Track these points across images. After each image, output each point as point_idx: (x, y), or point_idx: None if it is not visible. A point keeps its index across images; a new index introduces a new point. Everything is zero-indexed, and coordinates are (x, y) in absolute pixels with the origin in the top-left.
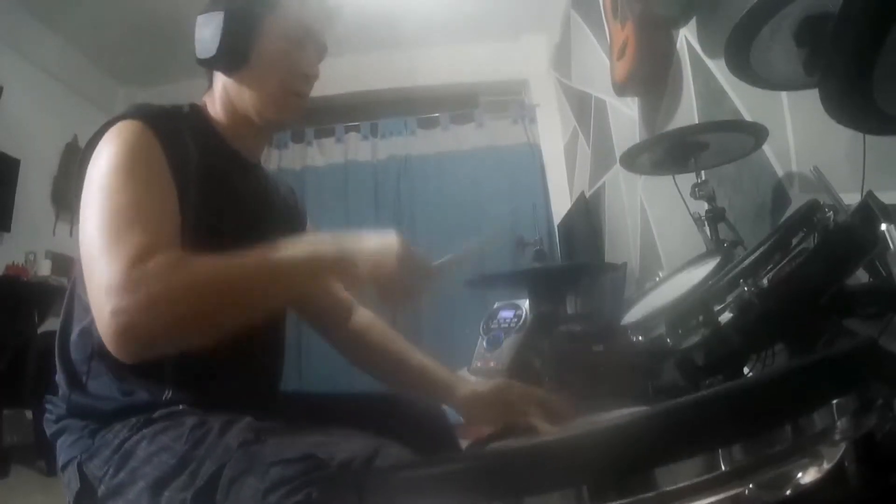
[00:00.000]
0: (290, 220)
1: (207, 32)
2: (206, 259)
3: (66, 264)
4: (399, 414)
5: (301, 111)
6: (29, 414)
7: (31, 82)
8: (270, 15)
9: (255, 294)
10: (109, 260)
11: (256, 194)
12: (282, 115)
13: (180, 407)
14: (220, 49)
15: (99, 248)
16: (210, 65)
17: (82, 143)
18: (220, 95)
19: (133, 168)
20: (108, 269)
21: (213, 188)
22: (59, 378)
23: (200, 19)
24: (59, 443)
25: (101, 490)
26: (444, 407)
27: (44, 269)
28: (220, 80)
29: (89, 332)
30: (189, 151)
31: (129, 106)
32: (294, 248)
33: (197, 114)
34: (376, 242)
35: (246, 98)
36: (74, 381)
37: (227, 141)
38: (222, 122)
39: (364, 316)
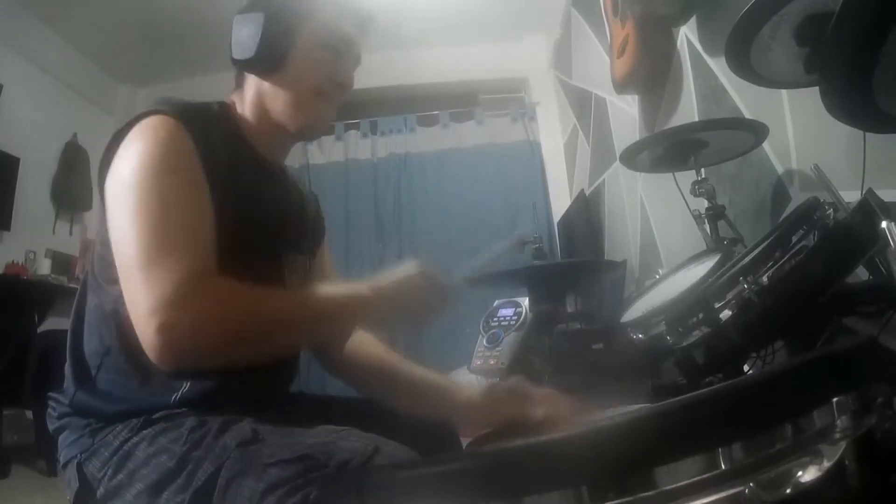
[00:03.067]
0: (310, 228)
1: (246, 33)
2: (254, 288)
3: (66, 263)
4: (397, 416)
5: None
6: (29, 414)
7: (30, 81)
8: (310, 20)
9: (294, 330)
10: (156, 274)
11: (280, 200)
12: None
13: (181, 409)
14: (259, 51)
15: (142, 260)
16: (247, 66)
17: (82, 141)
18: (251, 98)
19: (169, 168)
20: (156, 285)
21: (239, 192)
22: (67, 372)
23: (239, 19)
24: (61, 440)
25: (100, 491)
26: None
27: (43, 267)
28: (253, 81)
29: (105, 326)
30: (219, 152)
31: (159, 99)
32: (334, 292)
33: (225, 113)
34: (401, 281)
35: (279, 102)
36: (83, 376)
37: (253, 144)
38: (251, 124)
39: (360, 336)
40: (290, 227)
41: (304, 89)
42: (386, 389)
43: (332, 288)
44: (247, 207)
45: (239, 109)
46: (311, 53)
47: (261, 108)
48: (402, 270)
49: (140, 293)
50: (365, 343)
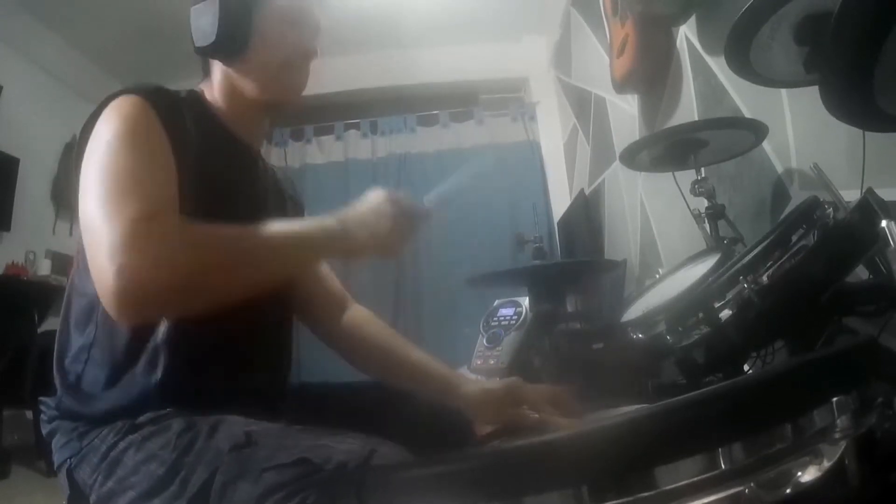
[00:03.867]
0: (288, 209)
1: (204, 21)
2: (212, 226)
3: (66, 263)
4: (412, 403)
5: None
6: (29, 414)
7: (30, 81)
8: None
9: (257, 262)
10: (111, 223)
11: (255, 180)
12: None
13: (167, 410)
14: (218, 37)
15: (100, 214)
16: (209, 53)
17: None
18: (219, 83)
19: (133, 138)
20: (110, 232)
21: (212, 170)
22: (55, 376)
23: (195, 9)
24: (53, 443)
25: (92, 498)
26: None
27: (43, 268)
28: (220, 67)
29: (89, 321)
30: (188, 130)
31: (129, 84)
32: (297, 225)
33: (195, 99)
34: (368, 210)
35: (249, 83)
36: (67, 379)
37: (227, 126)
38: (222, 108)
39: (359, 311)
40: (267, 207)
41: (272, 66)
42: (382, 369)
43: (295, 222)
44: (223, 188)
45: (209, 96)
46: (272, 29)
47: (231, 90)
48: (368, 199)
49: (96, 247)
50: (366, 320)
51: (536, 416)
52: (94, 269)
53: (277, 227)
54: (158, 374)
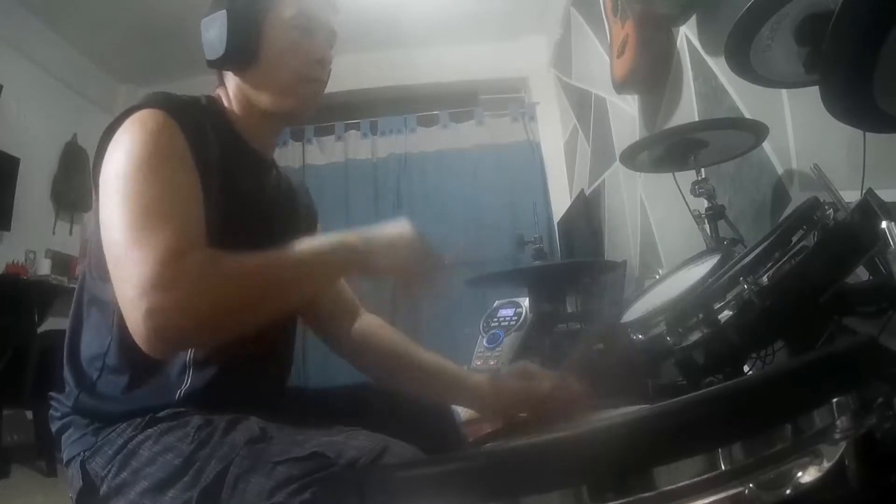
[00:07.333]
0: (302, 217)
1: (213, 34)
2: (238, 257)
3: (66, 263)
4: (404, 409)
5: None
6: (29, 414)
7: (30, 81)
8: (275, 8)
9: (285, 289)
10: (141, 257)
11: (271, 190)
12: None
13: (186, 408)
14: (228, 49)
15: (128, 243)
16: (221, 66)
17: (82, 141)
18: (233, 93)
19: (158, 158)
20: (140, 267)
21: (231, 183)
22: (67, 375)
23: (205, 21)
24: (64, 438)
25: (104, 489)
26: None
27: (44, 267)
28: (233, 78)
29: (103, 329)
30: (211, 145)
31: (149, 95)
32: (319, 244)
33: (214, 107)
34: (392, 233)
35: (262, 94)
36: (83, 380)
37: (243, 136)
38: (238, 116)
39: (369, 319)
40: (282, 217)
41: (284, 76)
42: (395, 374)
43: (318, 239)
44: (240, 199)
45: (225, 103)
46: (282, 39)
47: (244, 100)
48: (394, 225)
49: (125, 279)
50: (375, 327)
51: (545, 390)
52: (122, 300)
53: (301, 247)
54: (185, 386)
